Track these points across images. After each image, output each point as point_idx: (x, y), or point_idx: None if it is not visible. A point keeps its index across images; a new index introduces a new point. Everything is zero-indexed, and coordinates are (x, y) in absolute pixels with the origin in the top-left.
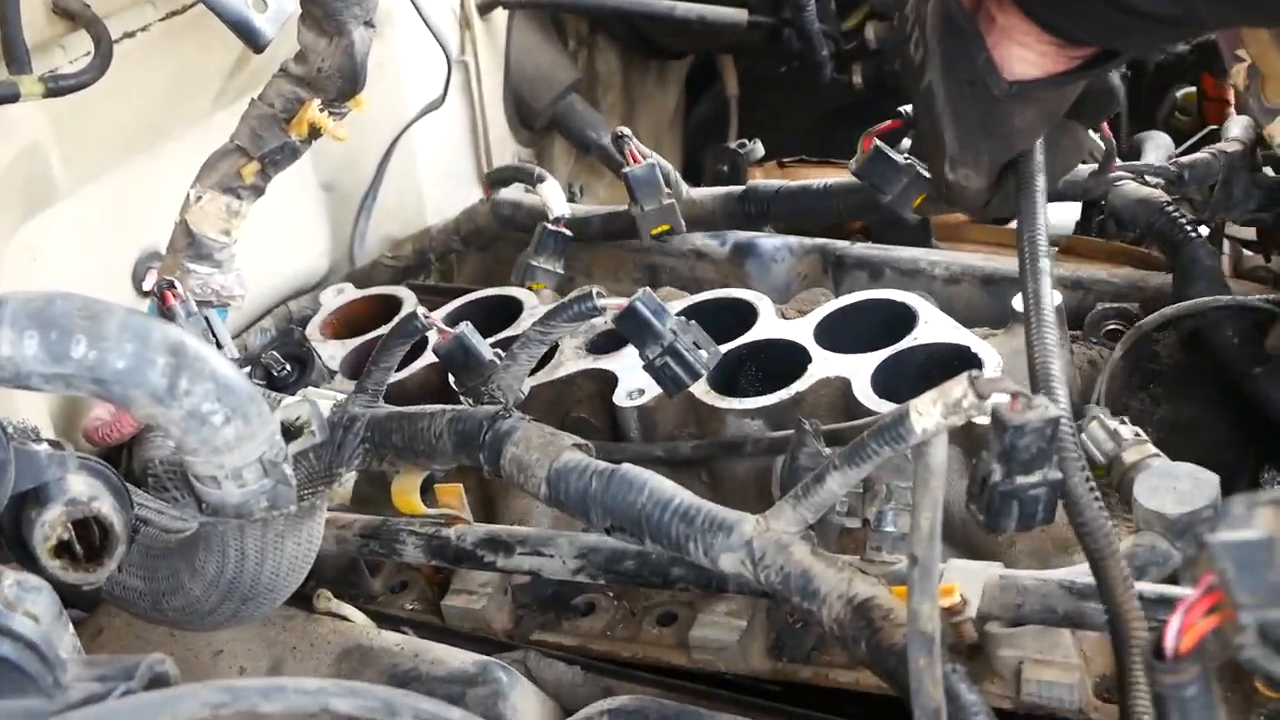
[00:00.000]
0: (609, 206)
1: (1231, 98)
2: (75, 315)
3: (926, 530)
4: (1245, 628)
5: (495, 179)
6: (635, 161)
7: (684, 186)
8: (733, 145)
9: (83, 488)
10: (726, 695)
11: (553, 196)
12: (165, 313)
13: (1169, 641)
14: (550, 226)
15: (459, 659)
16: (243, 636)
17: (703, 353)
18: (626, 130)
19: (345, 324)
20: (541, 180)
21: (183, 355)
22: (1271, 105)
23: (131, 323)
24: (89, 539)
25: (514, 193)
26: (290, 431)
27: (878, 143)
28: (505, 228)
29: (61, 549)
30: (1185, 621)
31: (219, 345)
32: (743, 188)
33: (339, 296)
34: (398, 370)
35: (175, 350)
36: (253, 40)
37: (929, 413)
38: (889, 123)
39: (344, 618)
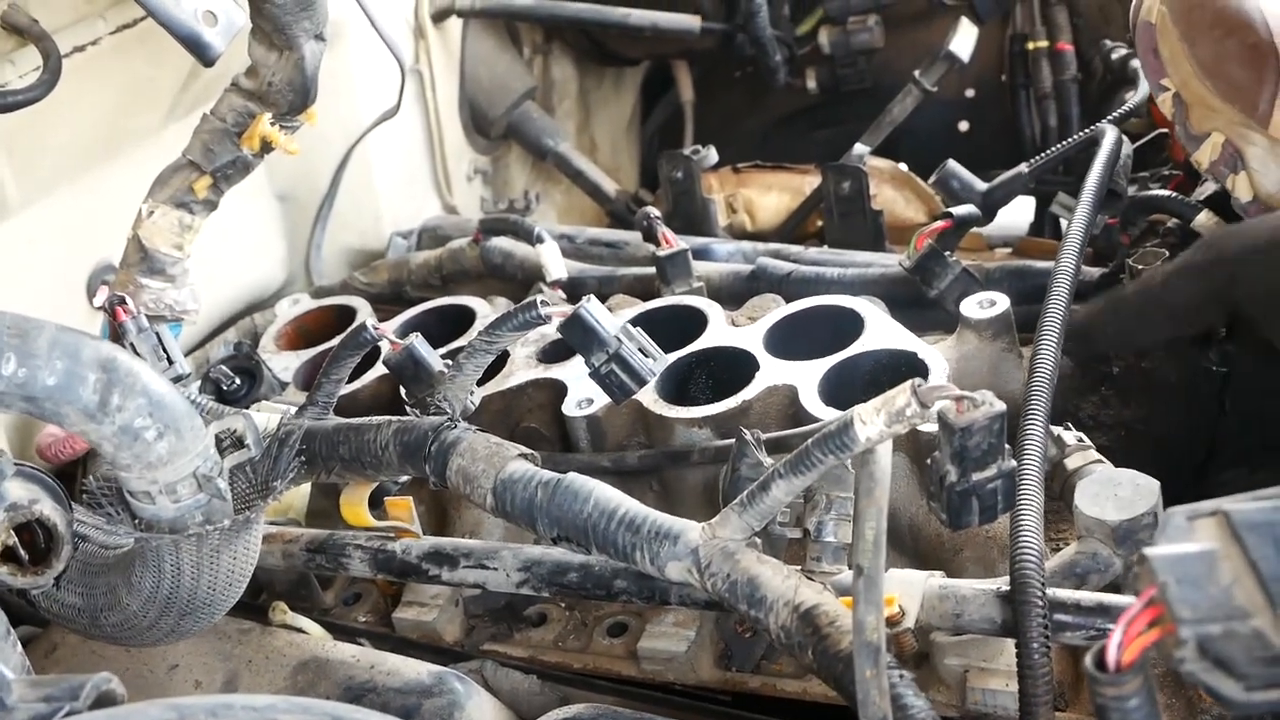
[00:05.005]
0: (604, 268)
1: None
2: (4, 333)
3: (871, 540)
4: (1185, 642)
5: (489, 227)
6: (667, 244)
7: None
8: (686, 151)
9: (21, 492)
10: (682, 703)
11: (551, 259)
12: (116, 329)
13: (1111, 655)
14: (546, 290)
15: (415, 670)
16: (198, 650)
17: (649, 359)
18: (655, 211)
19: (301, 335)
20: (541, 241)
21: (114, 371)
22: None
23: (62, 339)
24: (33, 542)
25: (506, 242)
26: (225, 446)
27: (930, 242)
28: (493, 275)
29: (6, 555)
30: (1127, 635)
31: (170, 361)
32: (751, 268)
33: (294, 307)
34: (350, 381)
35: (106, 366)
36: (202, 54)
37: (873, 421)
38: (940, 224)
39: (300, 630)
